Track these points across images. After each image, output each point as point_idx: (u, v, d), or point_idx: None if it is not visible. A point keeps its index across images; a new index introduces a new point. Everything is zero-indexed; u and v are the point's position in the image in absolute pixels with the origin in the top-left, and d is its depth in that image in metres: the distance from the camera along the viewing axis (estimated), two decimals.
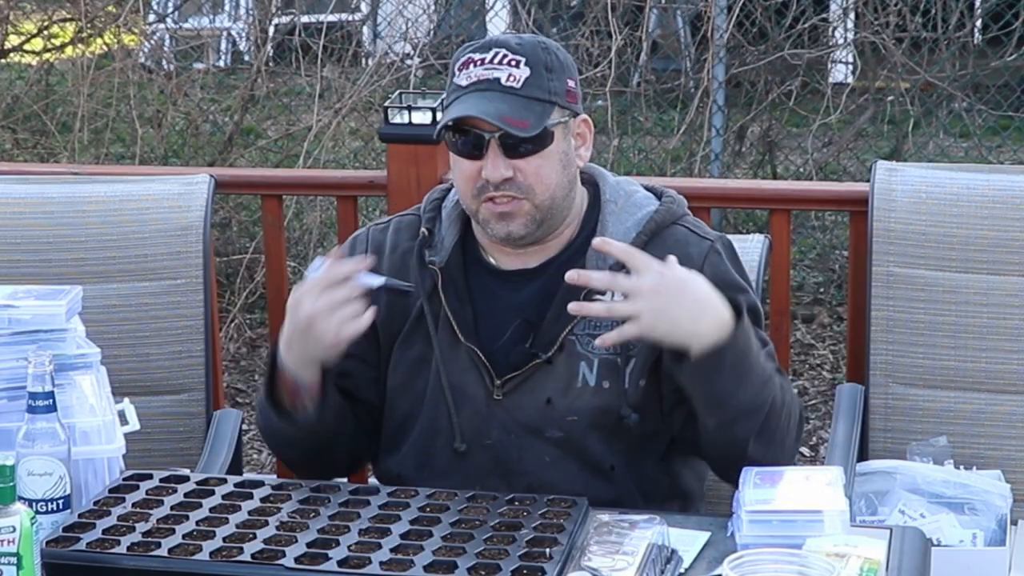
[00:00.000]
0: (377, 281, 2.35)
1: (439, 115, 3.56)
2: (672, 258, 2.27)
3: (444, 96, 2.44)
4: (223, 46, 7.97)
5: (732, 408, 2.28)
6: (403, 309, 2.49)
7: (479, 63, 2.36)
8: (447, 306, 2.45)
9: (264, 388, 2.44)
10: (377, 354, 2.51)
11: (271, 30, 6.62)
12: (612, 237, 2.41)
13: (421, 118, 3.57)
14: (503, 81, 2.35)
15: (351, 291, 2.30)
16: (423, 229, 2.50)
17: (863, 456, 3.10)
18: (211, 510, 2.20)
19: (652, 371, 2.42)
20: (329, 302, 2.28)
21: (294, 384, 2.38)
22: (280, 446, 2.54)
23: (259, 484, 2.29)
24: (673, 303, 2.23)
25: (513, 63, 2.35)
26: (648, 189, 2.54)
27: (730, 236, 2.58)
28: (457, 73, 2.39)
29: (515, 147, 2.35)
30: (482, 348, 2.44)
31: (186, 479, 2.32)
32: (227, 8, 7.83)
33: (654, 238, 2.44)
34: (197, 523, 2.15)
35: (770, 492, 2.13)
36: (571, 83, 2.41)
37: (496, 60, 2.36)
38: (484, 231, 2.44)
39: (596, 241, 2.31)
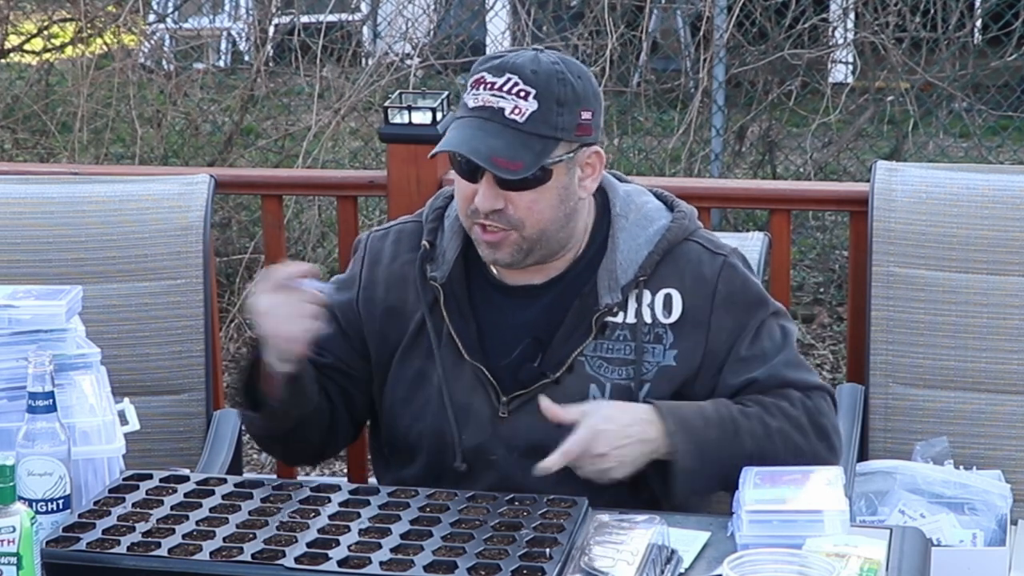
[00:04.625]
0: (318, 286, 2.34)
1: (439, 115, 3.57)
2: (580, 409, 2.31)
3: (456, 106, 2.40)
4: (223, 46, 7.97)
5: (717, 478, 2.33)
6: (401, 323, 2.47)
7: (489, 86, 2.31)
8: (450, 323, 2.42)
9: (240, 377, 2.44)
10: (366, 367, 2.50)
11: (271, 30, 6.61)
12: (623, 255, 2.40)
13: (421, 118, 3.57)
14: (507, 113, 2.29)
15: (300, 296, 2.30)
16: (424, 242, 2.47)
17: (863, 456, 3.10)
18: (211, 510, 2.19)
19: (669, 399, 2.41)
20: (276, 303, 2.30)
21: (268, 374, 2.39)
22: (252, 429, 2.54)
23: (259, 484, 2.29)
24: (610, 435, 2.29)
25: (522, 94, 2.29)
26: (659, 197, 2.50)
27: (730, 234, 2.58)
28: (468, 89, 2.34)
29: (509, 180, 2.31)
30: (487, 365, 2.41)
31: (186, 479, 2.32)
32: (227, 8, 7.83)
33: (666, 256, 2.42)
34: (197, 523, 2.15)
35: (770, 492, 2.13)
36: (585, 115, 2.34)
37: (506, 88, 2.30)
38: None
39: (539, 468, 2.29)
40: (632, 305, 2.40)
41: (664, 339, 2.40)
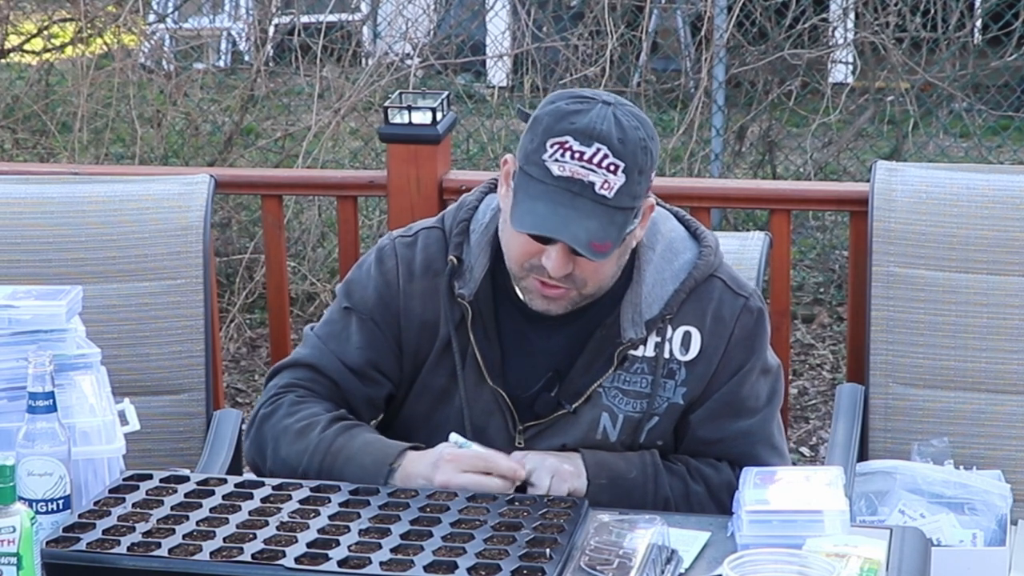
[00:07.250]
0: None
1: (439, 115, 3.57)
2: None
3: (528, 155, 2.25)
4: (223, 46, 7.96)
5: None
6: (431, 337, 2.43)
7: (577, 156, 2.21)
8: (475, 344, 2.40)
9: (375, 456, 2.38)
10: (399, 375, 2.47)
11: (271, 30, 6.61)
12: (648, 289, 2.37)
13: (421, 118, 3.57)
14: (597, 188, 2.21)
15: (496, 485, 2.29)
16: (451, 258, 2.41)
17: (863, 456, 3.10)
18: (211, 510, 2.19)
19: (672, 433, 2.42)
20: (467, 483, 2.28)
21: None
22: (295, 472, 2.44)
23: (259, 484, 2.29)
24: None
25: (612, 168, 2.21)
26: (681, 221, 2.46)
27: (730, 234, 2.56)
28: (548, 149, 2.22)
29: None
30: (508, 391, 2.40)
31: (186, 479, 2.32)
32: (227, 8, 7.82)
33: (691, 294, 2.39)
34: (197, 523, 2.15)
35: (770, 492, 2.13)
36: (653, 175, 2.30)
37: (596, 160, 2.21)
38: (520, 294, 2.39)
39: None
40: (653, 339, 2.38)
41: (677, 375, 2.39)
